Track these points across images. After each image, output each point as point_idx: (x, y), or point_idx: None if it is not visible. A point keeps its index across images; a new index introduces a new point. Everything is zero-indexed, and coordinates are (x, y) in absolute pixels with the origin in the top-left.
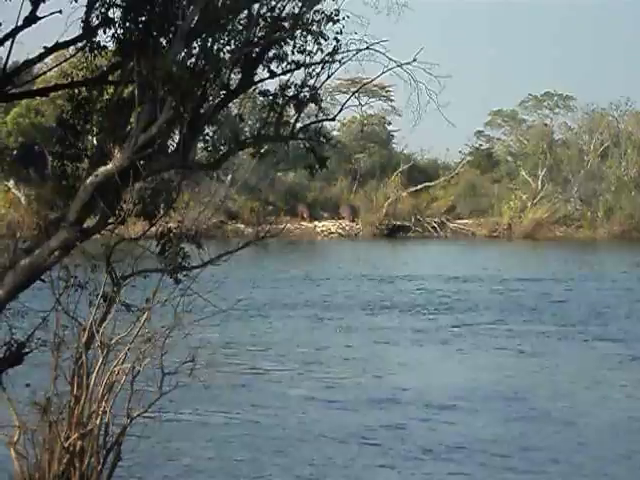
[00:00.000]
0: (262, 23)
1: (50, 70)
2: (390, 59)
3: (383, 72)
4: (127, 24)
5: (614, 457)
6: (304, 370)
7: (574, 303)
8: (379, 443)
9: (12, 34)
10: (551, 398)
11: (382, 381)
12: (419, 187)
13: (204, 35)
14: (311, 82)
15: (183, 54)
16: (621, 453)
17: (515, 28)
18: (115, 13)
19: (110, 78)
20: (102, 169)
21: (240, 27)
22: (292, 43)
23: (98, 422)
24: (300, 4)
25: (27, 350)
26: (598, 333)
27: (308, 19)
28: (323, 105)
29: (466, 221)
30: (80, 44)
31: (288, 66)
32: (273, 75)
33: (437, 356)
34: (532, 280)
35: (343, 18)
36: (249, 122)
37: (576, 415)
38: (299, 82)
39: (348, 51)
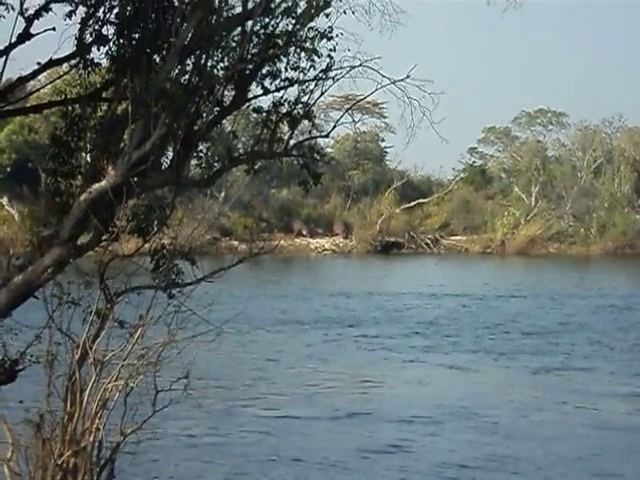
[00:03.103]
0: (255, 40)
1: (44, 87)
2: (383, 76)
3: (376, 89)
4: (121, 41)
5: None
6: (284, 387)
7: (523, 320)
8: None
9: (6, 51)
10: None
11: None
12: (413, 204)
13: (198, 52)
14: (304, 99)
15: (177, 71)
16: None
17: (509, 44)
18: (109, 30)
19: (104, 95)
20: (96, 186)
21: (234, 44)
22: (285, 60)
23: (91, 439)
24: (294, 21)
25: (20, 367)
26: (530, 350)
27: (301, 36)
28: (316, 122)
29: (459, 237)
30: (74, 61)
31: (282, 83)
32: (267, 92)
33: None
34: (502, 297)
35: (336, 35)
36: (243, 139)
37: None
38: (292, 99)
39: (341, 68)
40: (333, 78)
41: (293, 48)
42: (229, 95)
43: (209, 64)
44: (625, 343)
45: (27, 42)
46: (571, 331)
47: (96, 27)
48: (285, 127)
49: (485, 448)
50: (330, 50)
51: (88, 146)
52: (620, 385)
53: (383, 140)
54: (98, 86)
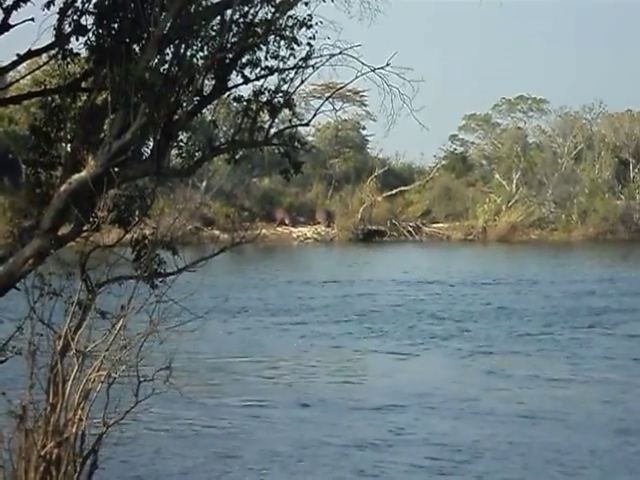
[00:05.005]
0: (235, 29)
1: (23, 78)
2: (363, 64)
3: (356, 77)
4: (100, 31)
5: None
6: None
7: (479, 306)
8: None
9: None
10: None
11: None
12: (394, 191)
13: (177, 41)
14: (285, 87)
15: (156, 60)
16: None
17: (488, 31)
18: (87, 20)
19: (83, 85)
20: (76, 176)
21: (213, 33)
22: (265, 49)
23: (74, 430)
24: (273, 10)
25: (2, 359)
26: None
27: (281, 25)
28: (297, 110)
29: (441, 225)
30: (53, 51)
31: (262, 72)
32: (247, 81)
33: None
34: (472, 284)
35: (316, 24)
36: (223, 128)
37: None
38: (273, 87)
39: (321, 56)
40: (313, 66)
41: (273, 37)
42: (209, 84)
43: (189, 53)
44: (571, 328)
45: (6, 33)
46: (519, 316)
47: (75, 17)
48: (266, 116)
49: (447, 434)
50: (309, 38)
51: (68, 136)
52: (552, 370)
53: (364, 128)
54: (77, 76)
